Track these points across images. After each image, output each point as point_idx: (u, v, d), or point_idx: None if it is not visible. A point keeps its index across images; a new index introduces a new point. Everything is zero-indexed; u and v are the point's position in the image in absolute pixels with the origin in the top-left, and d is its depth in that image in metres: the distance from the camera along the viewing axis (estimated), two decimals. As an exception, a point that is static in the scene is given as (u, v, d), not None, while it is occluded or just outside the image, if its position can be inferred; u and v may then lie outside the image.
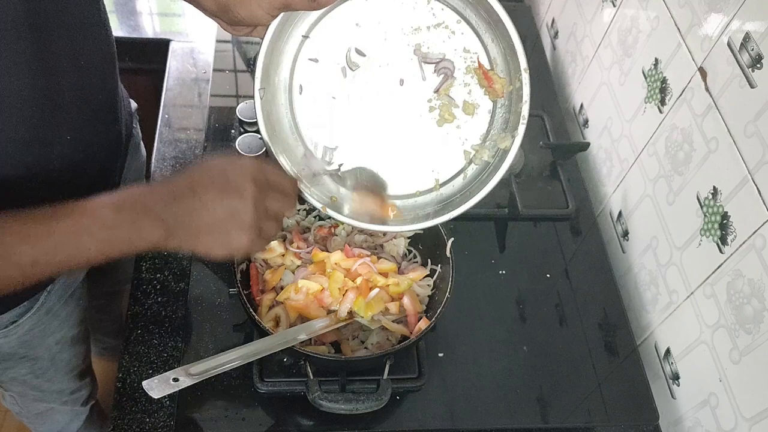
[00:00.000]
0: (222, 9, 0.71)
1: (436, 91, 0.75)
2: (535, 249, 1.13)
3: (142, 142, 1.11)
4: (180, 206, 0.65)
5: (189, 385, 0.70)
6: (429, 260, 0.96)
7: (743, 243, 0.83)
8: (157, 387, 0.68)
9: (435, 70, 0.74)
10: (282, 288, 0.91)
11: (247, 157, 0.66)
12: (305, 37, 0.74)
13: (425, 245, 0.98)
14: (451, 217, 0.76)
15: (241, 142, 1.10)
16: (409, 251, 0.99)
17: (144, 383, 0.68)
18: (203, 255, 0.67)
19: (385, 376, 0.82)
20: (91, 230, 0.62)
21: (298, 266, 0.93)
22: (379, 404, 0.79)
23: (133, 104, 1.06)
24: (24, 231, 0.60)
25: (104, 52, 0.81)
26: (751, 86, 0.82)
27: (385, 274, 0.92)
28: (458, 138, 0.77)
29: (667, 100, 1.01)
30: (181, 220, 0.65)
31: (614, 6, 1.19)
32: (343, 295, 0.88)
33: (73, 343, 1.02)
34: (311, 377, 0.81)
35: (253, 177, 0.67)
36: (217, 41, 1.33)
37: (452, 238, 0.91)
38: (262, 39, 0.71)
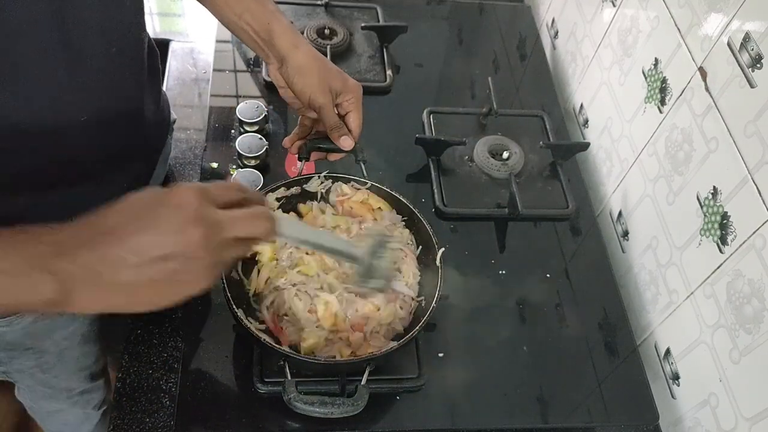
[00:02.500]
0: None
1: None
2: (535, 249, 1.13)
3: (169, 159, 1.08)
4: (92, 257, 0.53)
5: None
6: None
7: (743, 243, 0.83)
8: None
9: None
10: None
11: (184, 184, 0.60)
12: None
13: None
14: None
15: (241, 142, 1.10)
16: None
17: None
18: (135, 310, 0.58)
19: (363, 381, 0.81)
20: None
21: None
22: (354, 410, 0.78)
23: (174, 115, 1.04)
24: None
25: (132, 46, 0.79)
26: (751, 86, 0.82)
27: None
28: None
29: (667, 100, 1.01)
30: (92, 275, 0.53)
31: (614, 6, 1.19)
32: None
33: (83, 341, 1.02)
34: (289, 378, 0.80)
35: (196, 198, 0.56)
36: (217, 41, 1.33)
37: (443, 248, 0.90)
38: None
